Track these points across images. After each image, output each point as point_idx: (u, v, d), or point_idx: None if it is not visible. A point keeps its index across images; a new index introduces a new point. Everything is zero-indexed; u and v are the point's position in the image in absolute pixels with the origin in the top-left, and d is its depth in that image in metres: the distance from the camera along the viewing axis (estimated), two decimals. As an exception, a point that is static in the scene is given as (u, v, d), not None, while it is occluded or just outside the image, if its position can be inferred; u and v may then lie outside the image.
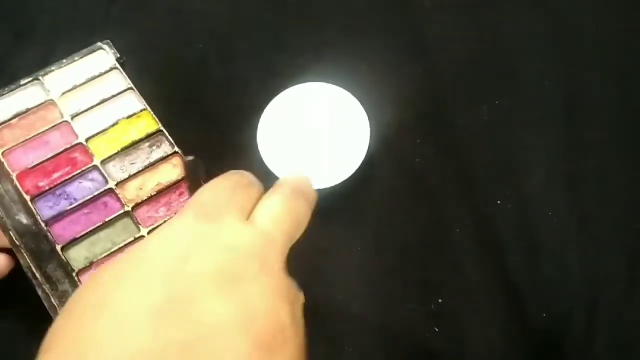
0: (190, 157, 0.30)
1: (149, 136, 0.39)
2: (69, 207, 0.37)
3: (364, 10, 0.47)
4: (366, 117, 0.41)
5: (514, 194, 0.42)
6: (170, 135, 0.39)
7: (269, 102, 0.41)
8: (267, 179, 0.27)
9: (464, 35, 0.44)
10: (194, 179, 0.30)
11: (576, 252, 0.41)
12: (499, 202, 0.42)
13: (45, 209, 0.37)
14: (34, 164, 0.37)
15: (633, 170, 0.43)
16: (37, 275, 0.35)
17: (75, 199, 0.37)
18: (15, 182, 0.37)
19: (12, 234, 0.35)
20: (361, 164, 0.40)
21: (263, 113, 0.41)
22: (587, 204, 0.42)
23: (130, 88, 0.40)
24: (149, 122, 0.39)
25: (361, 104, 0.41)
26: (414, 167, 0.42)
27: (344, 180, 0.39)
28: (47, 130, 0.38)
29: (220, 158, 0.40)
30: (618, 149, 0.43)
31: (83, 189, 0.37)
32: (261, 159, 0.40)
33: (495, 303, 0.40)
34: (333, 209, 0.37)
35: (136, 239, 0.36)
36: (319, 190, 0.29)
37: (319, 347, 0.39)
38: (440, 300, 0.40)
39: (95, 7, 0.46)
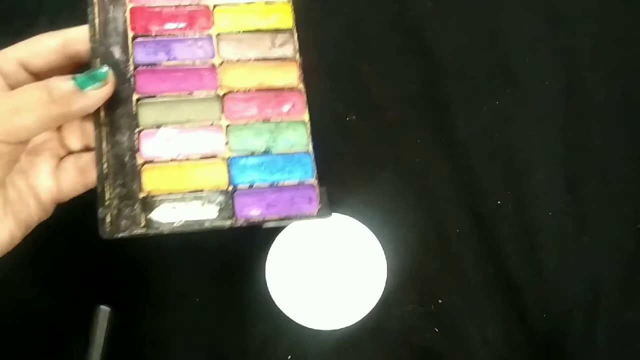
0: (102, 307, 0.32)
1: (276, 31, 0.36)
2: (164, 62, 0.34)
3: (363, 10, 0.47)
4: (382, 252, 0.38)
5: (514, 194, 0.42)
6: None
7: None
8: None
9: (464, 35, 0.44)
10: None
11: (576, 253, 0.41)
12: (499, 202, 0.42)
13: (141, 53, 0.34)
14: (153, 5, 0.35)
15: (633, 170, 0.43)
16: (102, 114, 0.33)
17: (174, 57, 0.34)
18: (127, 13, 0.34)
19: (97, 62, 0.33)
20: (361, 165, 0.40)
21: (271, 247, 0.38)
22: (587, 204, 0.42)
23: None
24: (285, 17, 0.36)
25: (361, 103, 0.41)
26: (414, 167, 0.42)
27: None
28: None
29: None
30: (618, 149, 0.43)
31: (187, 51, 0.35)
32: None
33: (495, 303, 0.40)
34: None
35: (213, 124, 0.34)
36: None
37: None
38: (440, 301, 0.40)
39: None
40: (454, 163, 0.43)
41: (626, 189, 0.42)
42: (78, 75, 0.30)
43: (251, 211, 0.34)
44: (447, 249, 0.41)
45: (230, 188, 0.34)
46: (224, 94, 0.34)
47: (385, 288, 0.37)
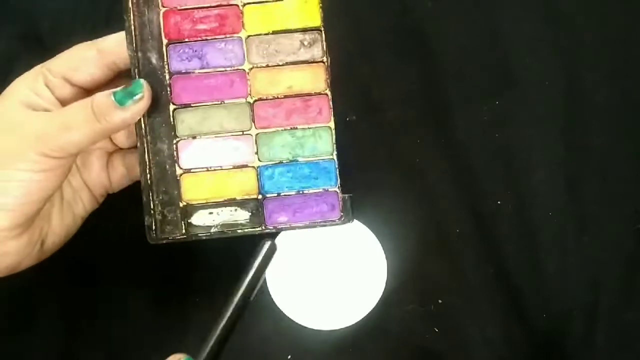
0: (268, 242, 0.33)
1: (305, 30, 0.36)
2: (198, 70, 0.35)
3: (364, 10, 0.47)
4: (382, 252, 0.38)
5: (514, 195, 0.42)
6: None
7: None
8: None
9: (464, 35, 0.44)
10: (263, 262, 0.32)
11: (576, 253, 0.41)
12: (499, 202, 0.42)
13: (175, 60, 0.35)
14: (186, 6, 0.35)
15: (633, 170, 0.43)
16: (143, 125, 0.34)
17: (207, 64, 0.35)
18: (161, 17, 0.35)
19: (135, 72, 0.34)
20: (362, 165, 0.40)
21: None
22: (587, 204, 0.42)
23: None
24: (313, 15, 0.36)
25: (361, 103, 0.41)
26: (414, 167, 0.42)
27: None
28: None
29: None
30: (618, 149, 0.43)
31: (219, 56, 0.35)
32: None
33: (495, 304, 0.40)
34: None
35: (244, 134, 0.35)
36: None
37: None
38: (440, 301, 0.40)
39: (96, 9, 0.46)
40: (454, 163, 0.42)
41: (626, 189, 0.42)
42: (117, 90, 0.32)
43: (279, 218, 0.36)
44: (447, 249, 0.41)
45: (260, 196, 0.36)
46: (254, 101, 0.35)
47: (385, 288, 0.37)
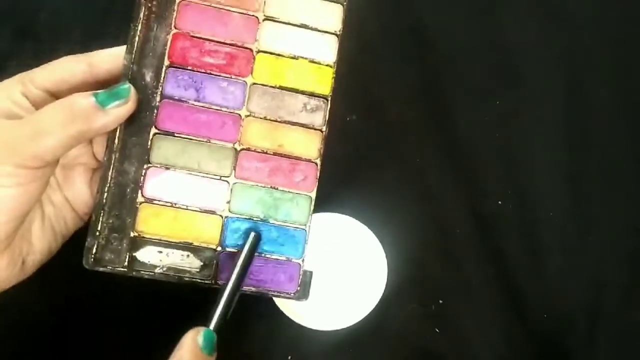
0: (254, 233, 0.32)
1: (312, 95, 0.34)
2: (192, 101, 0.33)
3: (364, 10, 0.47)
4: (383, 252, 0.38)
5: (515, 195, 0.42)
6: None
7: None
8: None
9: (464, 35, 0.44)
10: (248, 253, 0.31)
11: (578, 253, 0.41)
12: (500, 202, 0.42)
13: (171, 85, 0.33)
14: (199, 35, 0.33)
15: (634, 170, 0.43)
16: (117, 137, 0.32)
17: (203, 97, 0.33)
18: (170, 37, 0.33)
19: (125, 77, 0.32)
20: (362, 165, 0.40)
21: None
22: (589, 204, 0.42)
23: (337, 34, 0.35)
24: (324, 82, 0.35)
25: (361, 103, 0.41)
26: (414, 167, 0.42)
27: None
28: (236, 11, 0.34)
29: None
30: (619, 150, 0.43)
31: (217, 93, 0.33)
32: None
33: (496, 304, 0.40)
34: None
35: (221, 179, 0.33)
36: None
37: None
38: (440, 301, 0.40)
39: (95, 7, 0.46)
40: (455, 163, 0.42)
41: (627, 188, 0.42)
42: (99, 92, 0.30)
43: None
44: (448, 249, 0.41)
45: (219, 248, 0.33)
46: (241, 149, 0.34)
47: (385, 288, 0.37)
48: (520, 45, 0.44)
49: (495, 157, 0.43)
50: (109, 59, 0.32)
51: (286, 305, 0.37)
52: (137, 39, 0.32)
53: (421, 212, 0.41)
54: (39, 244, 0.32)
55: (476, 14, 0.45)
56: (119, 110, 0.30)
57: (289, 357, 0.39)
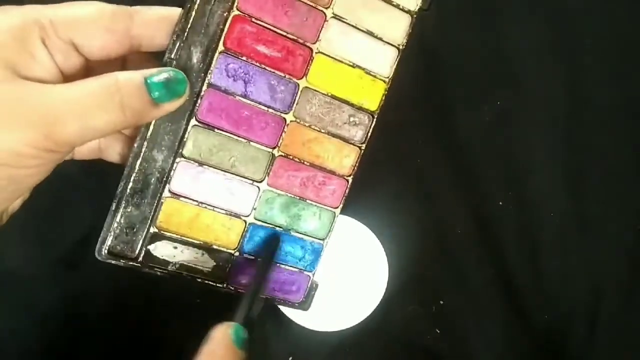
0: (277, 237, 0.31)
1: (359, 108, 0.32)
2: (238, 95, 0.30)
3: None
4: (384, 253, 0.38)
5: (515, 195, 0.42)
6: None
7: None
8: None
9: (464, 35, 0.44)
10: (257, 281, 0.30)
11: (577, 253, 0.41)
12: (500, 202, 0.42)
13: (220, 73, 0.30)
14: (259, 22, 0.30)
15: (634, 171, 0.43)
16: (151, 126, 0.29)
17: (251, 92, 0.30)
18: (230, 18, 0.29)
19: (172, 62, 0.28)
20: (362, 167, 0.40)
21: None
22: (589, 204, 0.42)
23: (399, 48, 0.33)
24: (374, 97, 0.33)
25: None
26: (414, 168, 0.42)
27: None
28: (305, 1, 0.30)
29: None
30: (619, 150, 0.43)
31: (266, 91, 0.31)
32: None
33: (496, 304, 0.40)
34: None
35: (253, 183, 0.31)
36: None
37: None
38: (441, 302, 0.40)
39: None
40: (454, 163, 0.42)
41: (627, 189, 0.42)
42: (152, 80, 0.26)
43: (243, 280, 0.32)
44: (448, 250, 0.41)
45: (237, 253, 0.32)
46: (279, 155, 0.32)
47: (386, 289, 0.37)
48: (520, 46, 0.44)
49: (496, 158, 0.43)
50: (156, 24, 0.27)
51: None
52: (194, 10, 0.28)
53: (421, 213, 0.41)
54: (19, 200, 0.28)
55: (476, 14, 0.45)
56: (171, 105, 0.27)
57: (290, 358, 0.39)
